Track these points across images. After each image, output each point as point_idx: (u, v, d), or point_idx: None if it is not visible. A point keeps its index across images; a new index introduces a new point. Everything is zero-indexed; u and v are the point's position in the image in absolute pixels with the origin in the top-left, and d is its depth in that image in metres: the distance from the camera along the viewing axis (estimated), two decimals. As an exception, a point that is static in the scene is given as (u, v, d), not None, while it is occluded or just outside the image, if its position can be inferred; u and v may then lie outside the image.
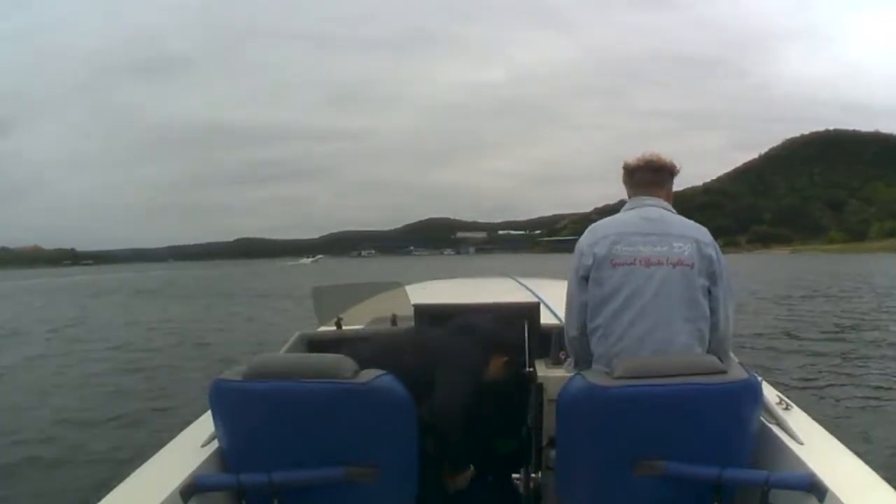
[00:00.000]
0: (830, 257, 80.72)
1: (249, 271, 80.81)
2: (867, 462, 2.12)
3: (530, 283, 5.25)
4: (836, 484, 1.96)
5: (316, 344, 3.87)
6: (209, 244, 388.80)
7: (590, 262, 2.55)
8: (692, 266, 2.52)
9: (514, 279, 5.79)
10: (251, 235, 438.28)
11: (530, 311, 3.50)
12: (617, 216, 2.68)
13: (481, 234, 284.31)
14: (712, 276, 2.58)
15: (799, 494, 2.00)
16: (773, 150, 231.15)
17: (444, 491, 2.78)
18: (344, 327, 4.13)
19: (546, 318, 3.60)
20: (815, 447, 2.24)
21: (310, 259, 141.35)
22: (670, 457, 2.10)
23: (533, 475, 2.77)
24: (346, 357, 2.23)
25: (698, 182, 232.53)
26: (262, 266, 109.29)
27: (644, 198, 2.68)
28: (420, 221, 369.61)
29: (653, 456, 2.11)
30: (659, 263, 2.50)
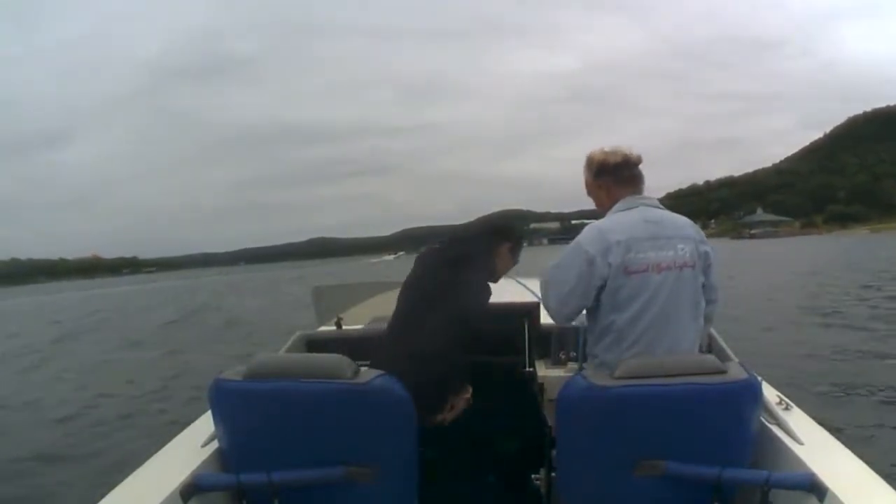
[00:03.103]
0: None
1: (332, 271, 72.66)
2: (867, 462, 2.10)
3: (530, 282, 5.22)
4: (837, 484, 1.95)
5: (316, 344, 3.90)
6: (282, 245, 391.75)
7: (605, 272, 2.54)
8: (694, 266, 2.59)
9: (514, 279, 5.77)
10: (324, 235, 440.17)
11: (530, 311, 3.49)
12: (620, 218, 2.64)
13: (554, 225, 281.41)
14: (707, 270, 2.66)
15: (799, 494, 1.99)
16: (837, 128, 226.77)
17: (444, 491, 2.77)
18: (344, 327, 4.18)
19: (546, 318, 3.57)
20: (815, 447, 2.23)
21: (392, 256, 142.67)
22: (670, 457, 2.10)
23: (553, 474, 2.77)
24: (345, 357, 2.23)
25: (768, 164, 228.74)
26: (344, 265, 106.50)
27: (637, 197, 2.70)
28: (492, 213, 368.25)
29: (653, 456, 2.10)
30: (668, 268, 2.54)
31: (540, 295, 2.75)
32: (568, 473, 2.31)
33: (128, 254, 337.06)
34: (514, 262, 3.12)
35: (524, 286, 5.07)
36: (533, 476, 2.90)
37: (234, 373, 2.23)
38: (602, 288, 2.56)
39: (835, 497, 1.92)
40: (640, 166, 2.76)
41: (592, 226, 2.68)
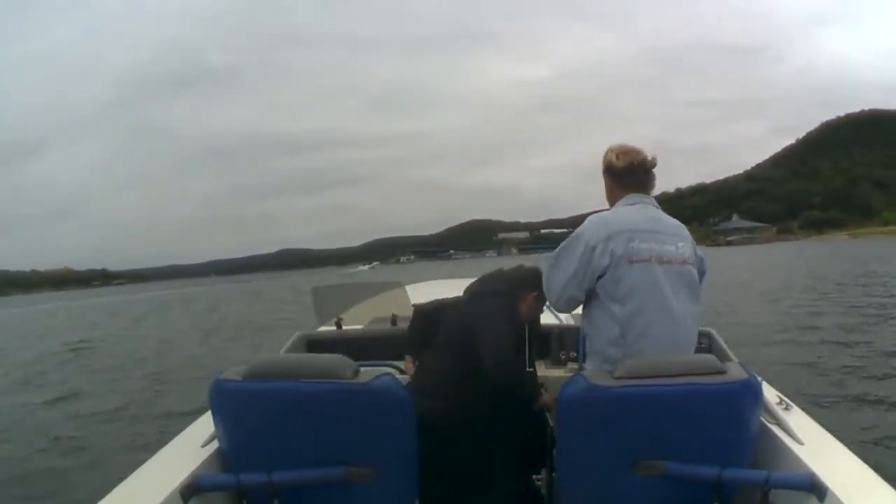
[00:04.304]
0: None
1: (311, 281, 71.19)
2: (867, 462, 2.11)
3: None
4: (836, 484, 1.95)
5: (316, 344, 3.91)
6: (251, 257, 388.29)
7: (607, 261, 2.51)
8: (693, 265, 2.61)
9: None
10: (292, 246, 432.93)
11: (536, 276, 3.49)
12: (625, 211, 2.64)
13: (523, 234, 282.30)
14: (702, 273, 2.68)
15: (799, 494, 2.00)
16: (810, 133, 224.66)
17: (444, 491, 2.78)
18: (344, 327, 4.19)
19: (546, 318, 3.59)
20: (815, 447, 2.23)
21: (367, 266, 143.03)
22: (670, 457, 2.10)
23: (554, 474, 2.77)
24: (345, 357, 2.24)
25: (739, 170, 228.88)
26: (319, 276, 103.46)
27: (642, 195, 2.69)
28: (461, 224, 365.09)
29: (653, 456, 2.11)
30: (670, 262, 2.54)
31: (543, 279, 2.74)
32: (568, 473, 2.31)
33: (98, 266, 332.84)
34: (539, 310, 3.21)
35: None
36: (534, 476, 2.91)
37: (234, 373, 2.22)
38: (601, 278, 2.53)
39: (835, 497, 1.92)
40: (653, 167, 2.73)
41: (596, 215, 2.67)
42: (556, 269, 2.65)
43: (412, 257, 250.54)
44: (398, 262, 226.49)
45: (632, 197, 2.68)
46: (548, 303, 2.77)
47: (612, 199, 2.74)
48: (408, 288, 4.65)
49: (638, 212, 2.62)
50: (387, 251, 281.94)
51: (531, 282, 3.08)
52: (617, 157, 2.70)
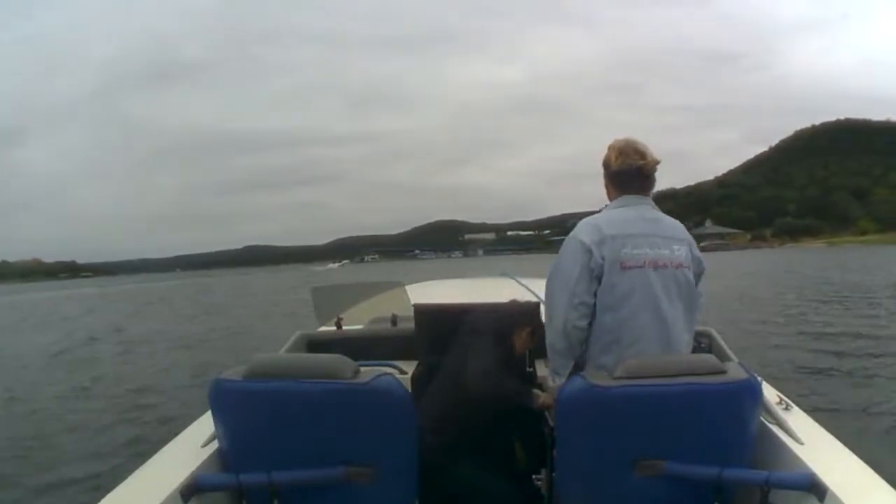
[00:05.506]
0: (875, 249, 72.83)
1: (278, 279, 67.51)
2: (867, 462, 2.12)
3: (530, 283, 5.23)
4: (836, 484, 1.96)
5: (316, 344, 3.89)
6: (217, 252, 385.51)
7: (600, 263, 2.47)
8: (689, 268, 2.57)
9: (513, 279, 5.72)
10: (258, 243, 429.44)
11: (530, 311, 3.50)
12: (615, 214, 2.59)
13: (490, 236, 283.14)
14: (699, 276, 2.65)
15: (799, 494, 2.00)
16: (783, 142, 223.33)
17: (444, 491, 2.78)
18: (344, 327, 4.17)
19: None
20: (815, 447, 2.24)
21: (337, 264, 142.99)
22: (670, 457, 2.10)
23: (554, 474, 2.77)
24: (345, 357, 2.23)
25: (710, 176, 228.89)
26: (289, 273, 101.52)
27: (638, 196, 2.63)
28: (428, 224, 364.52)
29: (653, 456, 2.11)
30: (664, 266, 2.50)
31: (545, 302, 2.69)
32: (568, 473, 2.31)
33: (67, 258, 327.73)
34: (533, 344, 3.23)
35: (525, 286, 5.06)
36: (534, 476, 2.91)
37: (234, 373, 2.22)
38: (598, 281, 2.48)
39: (835, 497, 1.92)
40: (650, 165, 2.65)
41: (586, 220, 2.62)
42: (559, 279, 2.57)
43: (376, 256, 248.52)
44: (363, 261, 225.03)
45: (625, 198, 2.63)
46: (553, 327, 2.60)
47: (608, 195, 2.72)
48: (408, 288, 4.63)
49: (631, 214, 2.57)
50: (351, 250, 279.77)
51: (526, 318, 3.17)
52: (615, 158, 2.64)
